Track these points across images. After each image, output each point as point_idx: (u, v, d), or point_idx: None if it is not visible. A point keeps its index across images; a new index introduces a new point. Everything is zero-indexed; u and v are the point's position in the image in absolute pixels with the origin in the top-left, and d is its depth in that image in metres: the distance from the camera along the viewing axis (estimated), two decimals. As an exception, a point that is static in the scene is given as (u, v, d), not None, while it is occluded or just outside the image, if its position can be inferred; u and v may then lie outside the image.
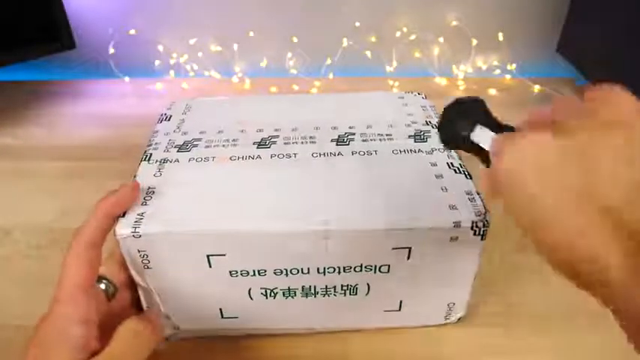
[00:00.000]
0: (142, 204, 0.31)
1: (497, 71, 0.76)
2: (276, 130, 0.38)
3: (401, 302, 0.34)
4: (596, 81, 0.21)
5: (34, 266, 0.43)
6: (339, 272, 0.31)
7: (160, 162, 0.35)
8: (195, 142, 0.37)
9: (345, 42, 0.75)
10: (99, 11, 0.73)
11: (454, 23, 0.74)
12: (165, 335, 0.35)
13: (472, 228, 0.29)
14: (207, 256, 0.30)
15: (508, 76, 0.76)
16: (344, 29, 0.74)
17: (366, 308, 0.34)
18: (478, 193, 0.31)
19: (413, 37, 0.74)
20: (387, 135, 0.37)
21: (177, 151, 0.36)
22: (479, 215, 0.30)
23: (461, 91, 0.73)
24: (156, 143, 0.37)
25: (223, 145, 0.36)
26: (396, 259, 0.31)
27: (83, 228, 0.29)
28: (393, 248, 0.30)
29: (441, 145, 0.36)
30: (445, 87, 0.75)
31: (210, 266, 0.30)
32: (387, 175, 0.33)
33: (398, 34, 0.75)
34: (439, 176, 0.33)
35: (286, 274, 0.31)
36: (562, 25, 0.69)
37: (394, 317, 0.35)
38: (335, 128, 0.38)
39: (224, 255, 0.30)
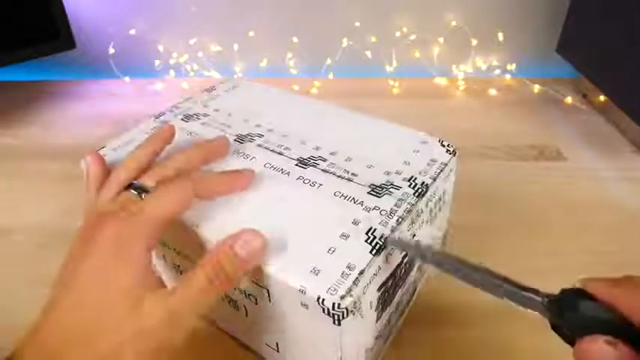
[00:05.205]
0: None
1: (497, 71, 0.76)
2: (316, 148, 0.35)
3: (277, 344, 0.30)
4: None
5: (34, 266, 0.43)
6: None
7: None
8: (252, 137, 0.36)
9: (345, 42, 0.75)
10: (99, 11, 0.73)
11: (454, 23, 0.74)
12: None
13: (320, 303, 0.24)
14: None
15: (508, 76, 0.76)
16: (344, 29, 0.74)
17: (250, 330, 0.32)
18: (362, 273, 0.25)
19: (413, 37, 0.74)
20: (353, 174, 0.32)
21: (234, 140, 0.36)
22: (332, 293, 0.24)
23: (461, 91, 0.73)
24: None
25: (272, 150, 0.35)
26: (258, 293, 0.28)
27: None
28: (252, 281, 0.27)
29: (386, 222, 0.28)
30: (445, 87, 0.75)
31: None
32: (303, 214, 0.29)
33: (398, 34, 0.75)
34: (344, 236, 0.27)
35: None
36: (562, 25, 0.69)
37: (275, 357, 0.32)
38: (350, 160, 0.33)
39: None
